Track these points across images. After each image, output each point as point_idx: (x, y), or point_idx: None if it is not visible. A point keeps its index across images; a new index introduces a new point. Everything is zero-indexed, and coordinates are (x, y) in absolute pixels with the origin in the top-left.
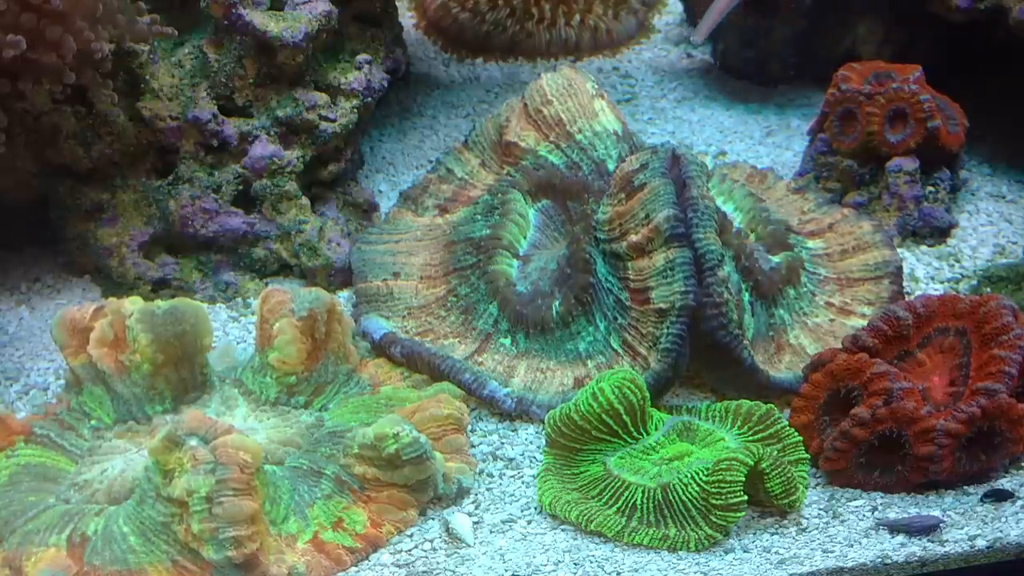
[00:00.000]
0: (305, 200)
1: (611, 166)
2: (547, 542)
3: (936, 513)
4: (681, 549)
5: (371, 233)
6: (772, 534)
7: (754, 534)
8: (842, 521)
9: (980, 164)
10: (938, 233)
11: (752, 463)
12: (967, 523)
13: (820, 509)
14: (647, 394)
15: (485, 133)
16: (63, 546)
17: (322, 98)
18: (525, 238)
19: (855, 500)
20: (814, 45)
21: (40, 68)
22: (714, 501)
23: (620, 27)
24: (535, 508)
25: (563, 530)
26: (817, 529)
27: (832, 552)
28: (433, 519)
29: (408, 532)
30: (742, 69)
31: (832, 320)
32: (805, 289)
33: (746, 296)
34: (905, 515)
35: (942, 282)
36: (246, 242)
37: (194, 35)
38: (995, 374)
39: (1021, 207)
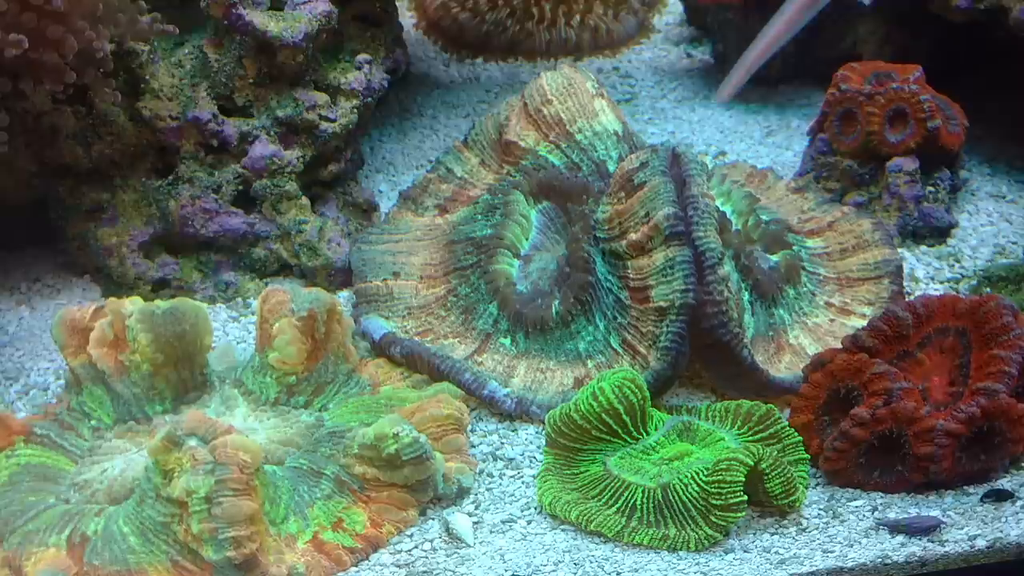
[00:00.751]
0: (305, 200)
1: (611, 167)
2: (547, 542)
3: (936, 513)
4: (681, 549)
5: (371, 233)
6: (772, 534)
7: (754, 534)
8: (842, 521)
9: (980, 164)
10: (938, 233)
11: (752, 463)
12: (967, 523)
13: (820, 509)
14: (647, 394)
15: (485, 132)
16: (63, 546)
17: (322, 98)
18: (527, 239)
19: (855, 500)
20: (814, 45)
21: (41, 67)
22: (714, 501)
23: (620, 27)
24: (535, 508)
25: (563, 530)
26: (817, 529)
27: (832, 552)
28: (433, 519)
29: (408, 532)
30: None
31: (832, 320)
32: (805, 289)
33: (746, 296)
34: (905, 515)
35: (942, 282)
36: (246, 242)
37: (194, 35)
38: (995, 374)
39: (1021, 207)
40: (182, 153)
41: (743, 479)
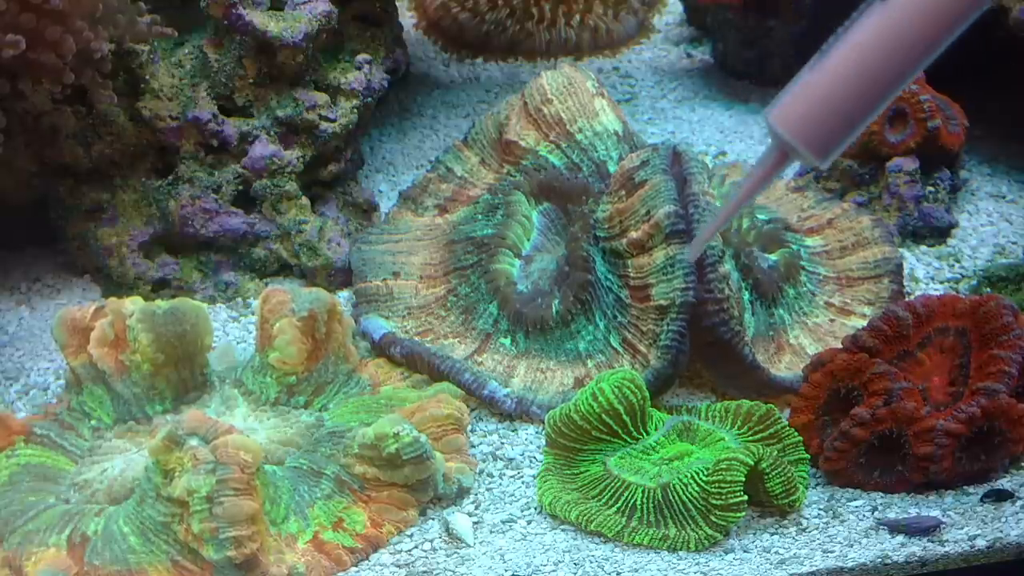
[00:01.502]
0: (305, 200)
1: (612, 167)
2: (547, 542)
3: (936, 513)
4: (681, 549)
5: (371, 233)
6: (772, 534)
7: (754, 534)
8: (842, 521)
9: (980, 164)
10: (938, 233)
11: (752, 463)
12: (967, 523)
13: (820, 509)
14: (647, 394)
15: (485, 131)
16: (63, 546)
17: (322, 98)
18: (528, 240)
19: (855, 500)
20: (814, 45)
21: (40, 68)
22: (714, 501)
23: (620, 27)
24: (535, 508)
25: (563, 530)
26: (817, 529)
27: (832, 552)
28: (433, 519)
29: (408, 532)
30: (742, 69)
31: (832, 320)
32: (805, 289)
33: (746, 295)
34: (905, 515)
35: (942, 282)
36: (246, 242)
37: (194, 35)
38: (995, 374)
39: (1021, 207)
40: (182, 153)
41: (743, 479)
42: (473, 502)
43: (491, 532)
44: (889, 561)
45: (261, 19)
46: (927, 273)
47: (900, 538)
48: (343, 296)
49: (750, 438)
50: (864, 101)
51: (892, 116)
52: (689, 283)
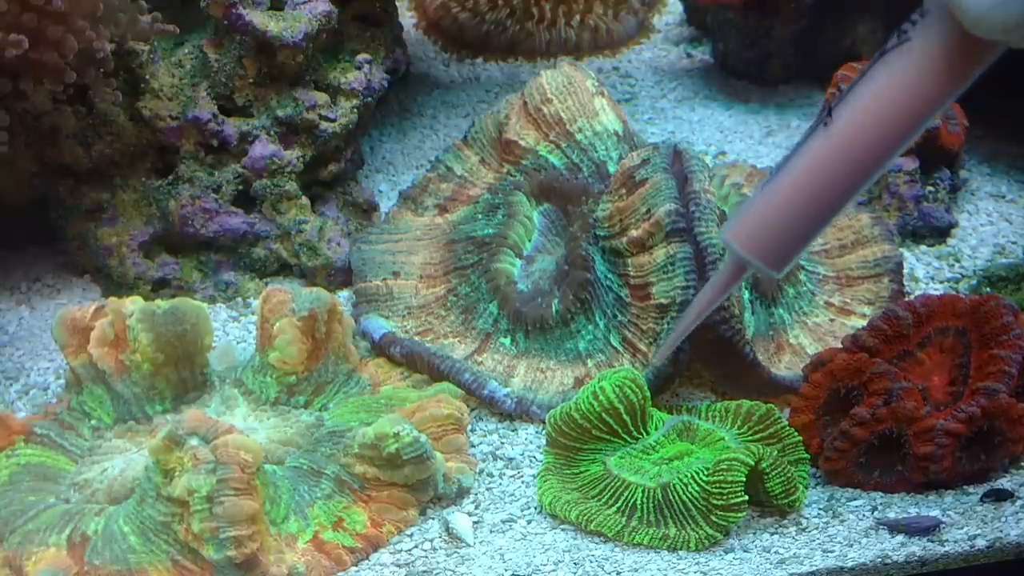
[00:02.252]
0: (305, 200)
1: (612, 167)
2: (547, 542)
3: (936, 513)
4: (681, 549)
5: (371, 233)
6: (772, 534)
7: (754, 534)
8: (842, 521)
9: (980, 164)
10: (938, 233)
11: (752, 463)
12: (967, 523)
13: (820, 509)
14: (647, 393)
15: (485, 130)
16: (63, 546)
17: (322, 98)
18: (530, 240)
19: (855, 500)
20: (814, 45)
21: (41, 68)
22: (715, 501)
23: (620, 27)
24: (535, 508)
25: (563, 530)
26: (817, 529)
27: (832, 552)
28: (433, 519)
29: (408, 532)
30: (742, 69)
31: (832, 320)
32: (804, 288)
33: (745, 294)
34: (905, 515)
35: (942, 282)
36: (246, 242)
37: (194, 35)
38: (995, 374)
39: (1021, 207)
40: (182, 153)
41: (744, 479)
42: (473, 502)
43: (491, 532)
44: (889, 561)
45: (261, 19)
46: (927, 273)
47: (900, 538)
48: (343, 296)
49: (750, 438)
50: (811, 220)
51: None
52: (690, 281)
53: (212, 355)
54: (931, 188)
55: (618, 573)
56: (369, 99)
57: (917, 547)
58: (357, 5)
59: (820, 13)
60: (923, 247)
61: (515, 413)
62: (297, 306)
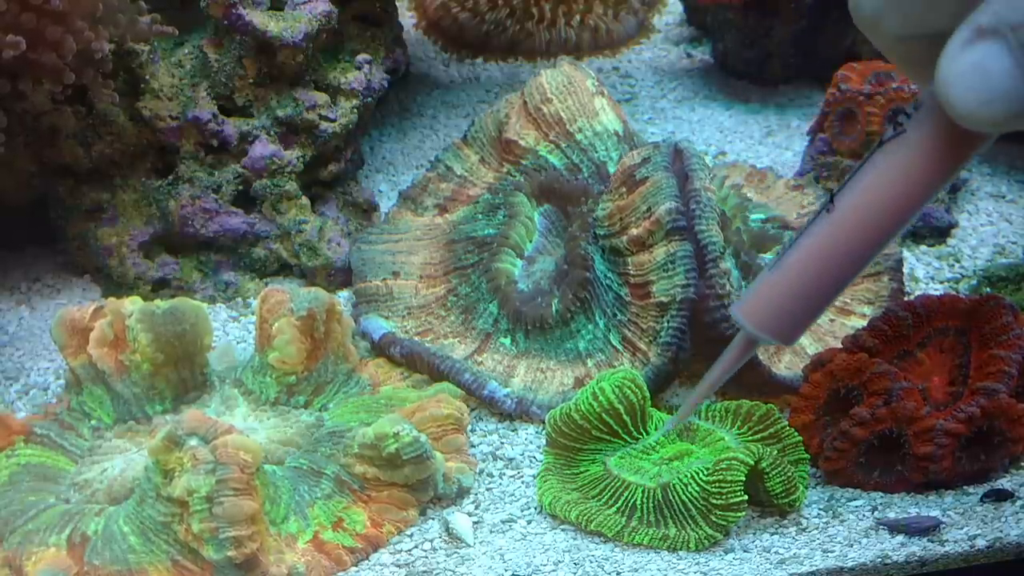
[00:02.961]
0: (305, 200)
1: (612, 168)
2: (547, 542)
3: (936, 513)
4: (681, 549)
5: (371, 233)
6: (772, 534)
7: (754, 534)
8: (842, 521)
9: (980, 164)
10: (938, 233)
11: (752, 463)
12: (967, 523)
13: (820, 509)
14: (647, 393)
15: (484, 129)
16: (63, 546)
17: (322, 98)
18: (531, 241)
19: (855, 500)
20: (814, 45)
21: (40, 68)
22: (714, 501)
23: (620, 27)
24: (535, 508)
25: (563, 530)
26: (817, 529)
27: (832, 552)
28: (433, 519)
29: (408, 532)
30: (742, 69)
31: (832, 320)
32: None
33: None
34: (905, 515)
35: (942, 282)
36: (246, 242)
37: (194, 35)
38: (995, 374)
39: (1021, 207)
40: (182, 153)
41: (744, 479)
42: (473, 502)
43: (491, 532)
44: (889, 561)
45: (261, 19)
46: (927, 273)
47: (900, 538)
48: (343, 296)
49: (750, 438)
50: (817, 298)
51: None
52: (690, 280)
53: (212, 355)
54: None
55: (618, 573)
56: (369, 99)
57: (917, 547)
58: (357, 5)
59: (820, 13)
60: (923, 247)
61: (515, 413)
62: (295, 306)
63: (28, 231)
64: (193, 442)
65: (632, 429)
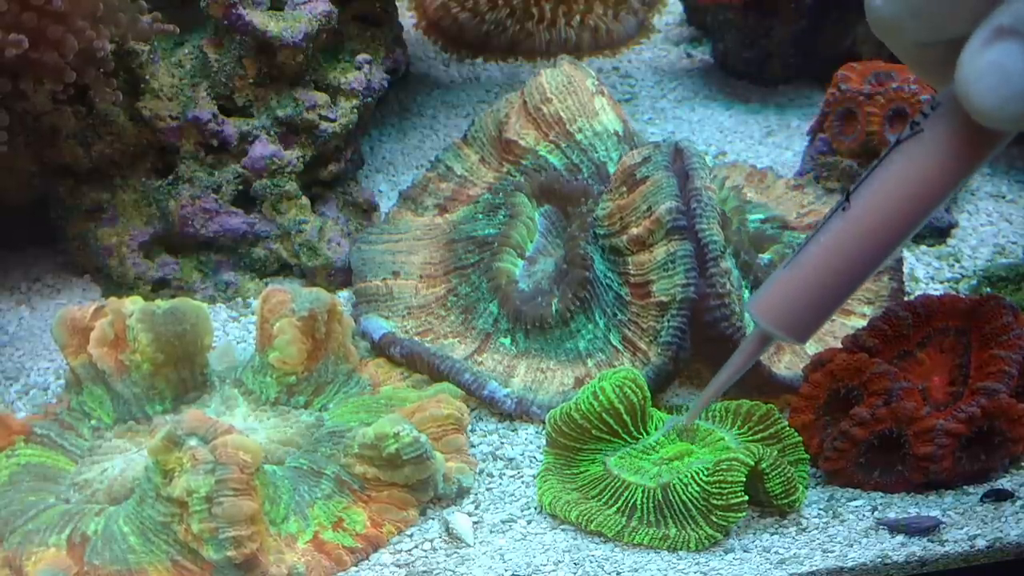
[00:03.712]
0: (305, 200)
1: (611, 168)
2: (547, 542)
3: (936, 513)
4: (681, 549)
5: (371, 233)
6: (772, 534)
7: (754, 534)
8: (842, 521)
9: None
10: (938, 233)
11: (753, 463)
12: (967, 523)
13: (820, 509)
14: (648, 393)
15: (484, 128)
16: (63, 546)
17: (322, 98)
18: (532, 241)
19: (855, 500)
20: (814, 45)
21: (41, 67)
22: (715, 501)
23: (620, 27)
24: (535, 508)
25: (563, 530)
26: (817, 529)
27: (832, 552)
28: (433, 519)
29: (408, 532)
30: (742, 69)
31: (832, 320)
32: None
33: (746, 294)
34: (905, 515)
35: (942, 282)
36: (246, 242)
37: (194, 35)
38: (995, 374)
39: (1021, 207)
40: (182, 153)
41: (744, 479)
42: (473, 502)
43: (491, 532)
44: (889, 561)
45: (261, 19)
46: (927, 273)
47: (900, 538)
48: (343, 296)
49: (750, 438)
50: (831, 295)
51: (892, 116)
52: (690, 279)
53: (212, 355)
54: None
55: (618, 573)
56: (369, 99)
57: (917, 547)
58: (357, 5)
59: (820, 13)
60: (923, 247)
61: (515, 413)
62: (297, 306)
63: (28, 231)
64: (193, 442)
65: (632, 429)
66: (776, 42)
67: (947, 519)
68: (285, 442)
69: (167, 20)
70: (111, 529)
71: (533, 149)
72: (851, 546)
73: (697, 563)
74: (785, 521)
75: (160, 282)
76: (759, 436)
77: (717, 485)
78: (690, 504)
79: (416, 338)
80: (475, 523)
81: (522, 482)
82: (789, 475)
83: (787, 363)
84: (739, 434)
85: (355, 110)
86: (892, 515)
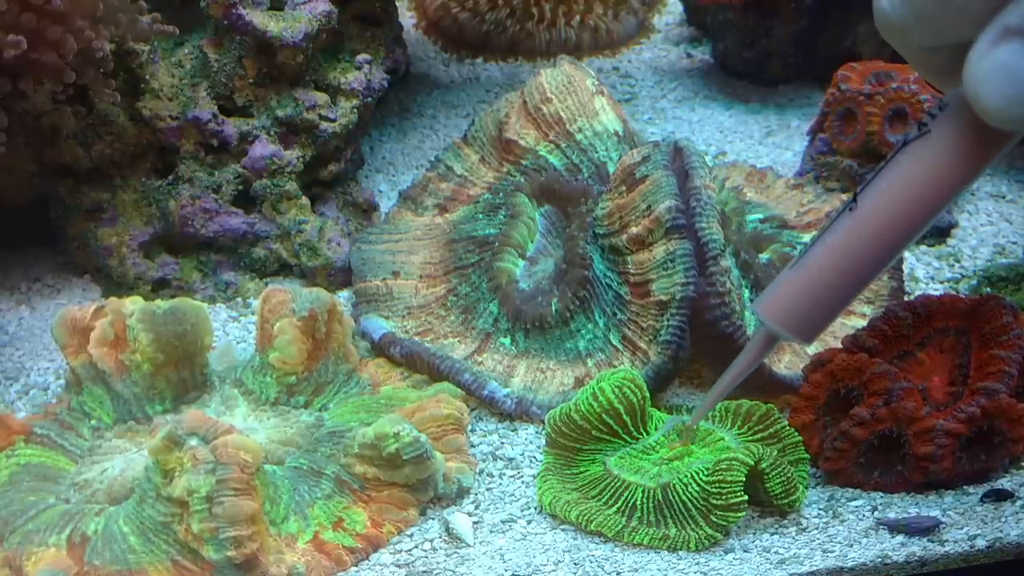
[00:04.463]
0: (305, 200)
1: (611, 168)
2: (547, 542)
3: (936, 513)
4: (681, 549)
5: (371, 233)
6: (772, 534)
7: (754, 534)
8: (842, 521)
9: None
10: (938, 233)
11: (752, 463)
12: (967, 523)
13: (820, 509)
14: (647, 393)
15: (484, 128)
16: (63, 546)
17: (322, 98)
18: (533, 241)
19: (855, 500)
20: (814, 45)
21: (41, 68)
22: (714, 501)
23: (620, 27)
24: (535, 508)
25: (563, 530)
26: (817, 529)
27: (832, 552)
28: (433, 519)
29: (408, 532)
30: (742, 69)
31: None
32: None
33: (746, 293)
34: (905, 515)
35: (942, 282)
36: (246, 242)
37: (194, 35)
38: (995, 374)
39: (1021, 207)
40: (182, 153)
41: (744, 479)
42: (473, 502)
43: (491, 532)
44: (889, 561)
45: (261, 19)
46: (927, 273)
47: (900, 538)
48: (343, 296)
49: (750, 438)
50: (838, 296)
51: (892, 116)
52: (690, 278)
53: (212, 355)
54: None
55: (618, 573)
56: (369, 99)
57: (917, 547)
58: (357, 5)
59: (820, 13)
60: (923, 247)
61: (515, 413)
62: (297, 306)
63: (28, 231)
64: (193, 442)
65: (632, 429)
66: (776, 42)
67: (947, 519)
68: (285, 442)
69: (167, 20)
70: (111, 529)
71: (533, 149)
72: (851, 546)
73: (697, 563)
74: (785, 521)
75: (160, 282)
76: (759, 436)
77: (717, 485)
78: (690, 504)
79: (416, 338)
80: (475, 523)
81: (522, 482)
82: (789, 475)
83: (787, 363)
84: (739, 434)
85: (355, 110)
86: (892, 515)
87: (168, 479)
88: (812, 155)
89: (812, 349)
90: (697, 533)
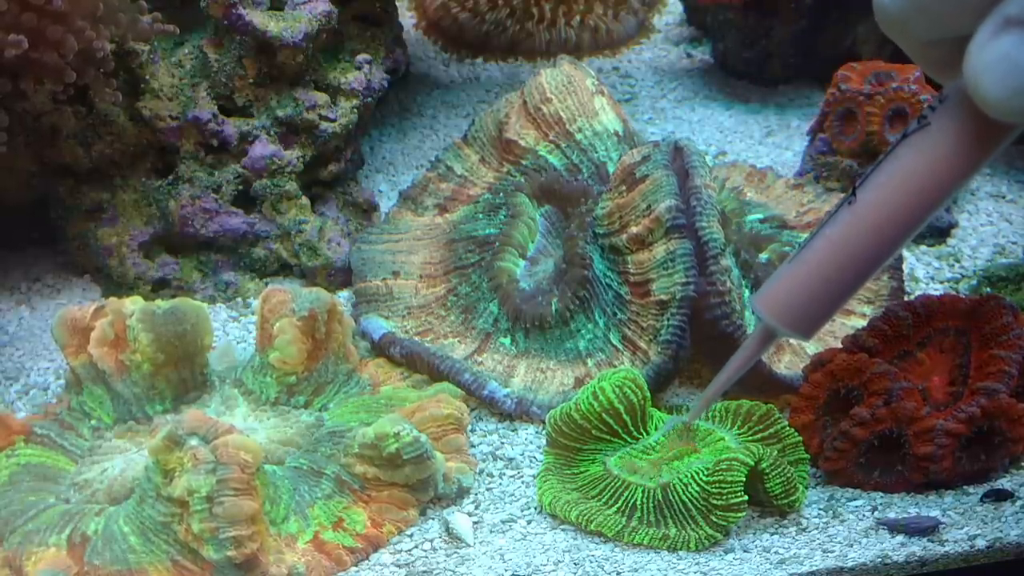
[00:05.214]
0: (305, 200)
1: (611, 168)
2: (547, 542)
3: (936, 513)
4: (681, 549)
5: (371, 233)
6: (772, 534)
7: (754, 534)
8: (842, 521)
9: None
10: (938, 233)
11: (752, 463)
12: (967, 523)
13: (820, 509)
14: (647, 393)
15: (484, 128)
16: (63, 546)
17: (322, 98)
18: (533, 242)
19: (855, 500)
20: (814, 45)
21: (42, 68)
22: (714, 501)
23: (620, 27)
24: (535, 508)
25: (563, 530)
26: (817, 529)
27: (832, 552)
28: (433, 519)
29: (408, 532)
30: (742, 69)
31: (832, 320)
32: None
33: (746, 292)
34: (905, 515)
35: (942, 282)
36: (246, 242)
37: (194, 35)
38: (995, 374)
39: (1021, 207)
40: (182, 153)
41: (744, 479)
42: (473, 502)
43: (491, 532)
44: (889, 561)
45: (261, 19)
46: (927, 273)
47: (900, 538)
48: (343, 296)
49: (750, 438)
50: (837, 291)
51: (892, 116)
52: (690, 277)
53: (212, 355)
54: None
55: (618, 573)
56: (369, 99)
57: (917, 547)
58: (357, 5)
59: (820, 13)
60: (923, 247)
61: (515, 413)
62: (297, 306)
63: (28, 231)
64: (193, 442)
65: (632, 429)
66: (776, 42)
67: (947, 519)
68: (285, 442)
69: (167, 20)
70: (111, 529)
71: (533, 149)
72: (851, 546)
73: (697, 563)
74: (785, 521)
75: (160, 282)
76: (759, 436)
77: (717, 485)
78: (690, 504)
79: (416, 338)
80: (475, 523)
81: (522, 482)
82: (789, 475)
83: (787, 363)
84: (739, 434)
85: (355, 110)
86: (892, 515)
87: (168, 479)
88: (812, 155)
89: (812, 349)
90: (697, 533)
